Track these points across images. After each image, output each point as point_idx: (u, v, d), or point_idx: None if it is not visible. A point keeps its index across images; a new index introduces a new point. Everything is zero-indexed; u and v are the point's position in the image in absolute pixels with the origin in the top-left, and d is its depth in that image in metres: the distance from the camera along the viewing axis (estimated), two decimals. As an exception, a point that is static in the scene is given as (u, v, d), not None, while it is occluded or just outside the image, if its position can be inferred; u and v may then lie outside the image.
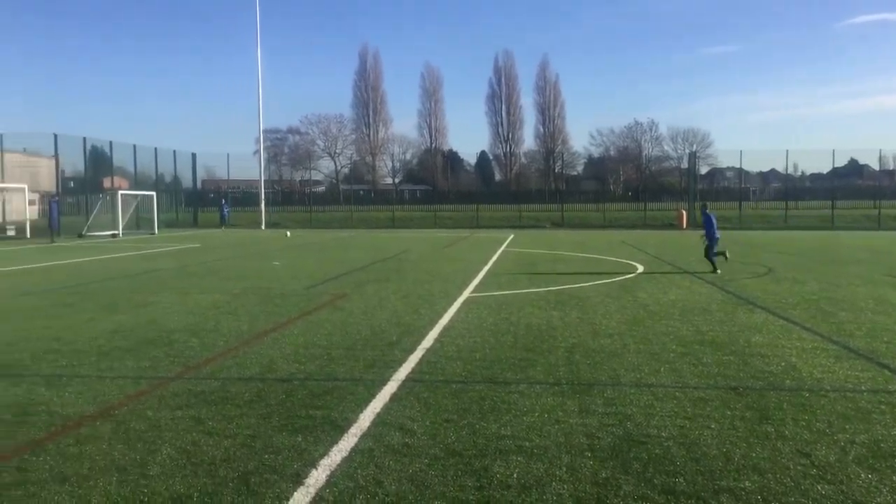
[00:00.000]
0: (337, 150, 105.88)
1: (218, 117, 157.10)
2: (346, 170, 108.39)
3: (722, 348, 8.42)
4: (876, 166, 64.37)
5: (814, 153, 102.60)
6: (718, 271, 17.11)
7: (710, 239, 17.79)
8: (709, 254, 17.81)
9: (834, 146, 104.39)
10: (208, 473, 4.60)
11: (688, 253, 24.41)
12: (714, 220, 17.89)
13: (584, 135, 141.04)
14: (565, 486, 4.39)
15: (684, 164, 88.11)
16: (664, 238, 35.32)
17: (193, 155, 59.03)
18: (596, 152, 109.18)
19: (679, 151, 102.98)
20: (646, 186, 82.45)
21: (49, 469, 4.65)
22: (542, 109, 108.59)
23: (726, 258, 18.23)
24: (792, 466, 4.73)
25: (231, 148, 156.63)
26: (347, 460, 4.81)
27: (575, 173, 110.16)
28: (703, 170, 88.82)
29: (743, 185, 71.19)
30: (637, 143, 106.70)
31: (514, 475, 4.56)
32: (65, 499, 4.19)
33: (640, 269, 18.37)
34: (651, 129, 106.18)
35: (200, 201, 61.44)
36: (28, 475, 4.54)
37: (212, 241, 34.47)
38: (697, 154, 77.02)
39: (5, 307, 11.97)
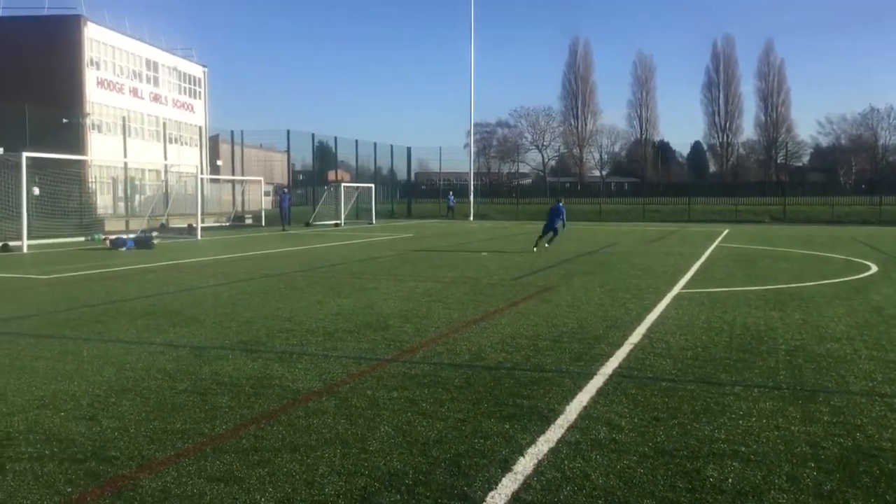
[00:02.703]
0: (544, 143, 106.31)
1: (432, 112, 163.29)
2: (552, 162, 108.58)
3: (973, 360, 7.53)
4: None
5: None
6: None
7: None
8: None
9: None
10: (422, 453, 4.85)
11: (933, 252, 21.98)
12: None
13: (810, 123, 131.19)
14: (785, 496, 4.16)
15: (929, 154, 79.02)
16: (904, 235, 31.98)
17: (409, 149, 61.91)
18: (824, 142, 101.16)
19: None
20: (882, 178, 75.06)
21: (281, 438, 5.11)
22: (765, 96, 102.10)
23: None
24: None
25: (443, 141, 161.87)
26: (554, 451, 4.87)
27: (799, 164, 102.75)
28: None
29: None
30: (872, 131, 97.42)
31: (729, 480, 4.39)
32: (295, 466, 4.59)
33: (874, 268, 16.79)
34: (890, 116, 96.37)
35: (414, 192, 64.13)
36: (264, 443, 5.02)
37: (424, 230, 35.91)
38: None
39: (246, 289, 13.25)
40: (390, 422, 5.48)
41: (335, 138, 52.21)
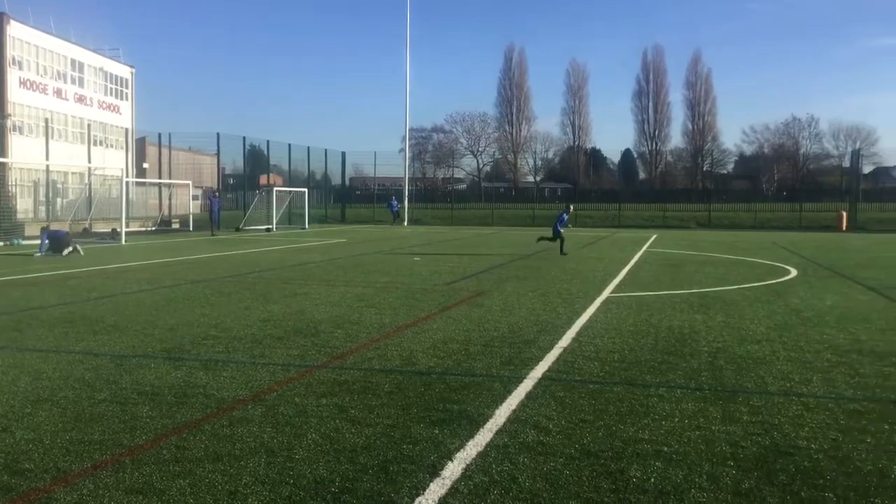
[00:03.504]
0: (479, 148, 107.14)
1: (367, 117, 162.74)
2: (487, 167, 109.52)
3: (883, 359, 7.86)
4: None
5: None
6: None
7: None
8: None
9: None
10: (350, 460, 4.80)
11: (848, 256, 22.91)
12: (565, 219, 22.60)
13: (735, 132, 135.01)
14: (705, 495, 4.26)
15: (846, 163, 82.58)
16: (821, 240, 33.29)
17: (343, 154, 61.45)
18: (748, 150, 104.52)
19: (840, 149, 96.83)
20: (802, 186, 78.01)
21: (204, 448, 4.98)
22: (692, 105, 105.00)
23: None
24: (959, 490, 4.37)
25: (378, 146, 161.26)
26: (483, 455, 4.88)
27: (724, 172, 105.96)
28: (867, 168, 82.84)
29: (913, 185, 65.84)
30: (794, 139, 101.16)
31: (652, 480, 4.47)
32: (217, 477, 4.47)
33: (794, 272, 17.42)
34: (810, 126, 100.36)
35: (348, 198, 63.75)
36: (185, 453, 4.88)
37: (358, 235, 35.70)
38: (861, 152, 71.79)
39: (171, 295, 12.93)
40: (318, 429, 5.41)
41: (267, 142, 51.49)
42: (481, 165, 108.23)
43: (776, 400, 6.27)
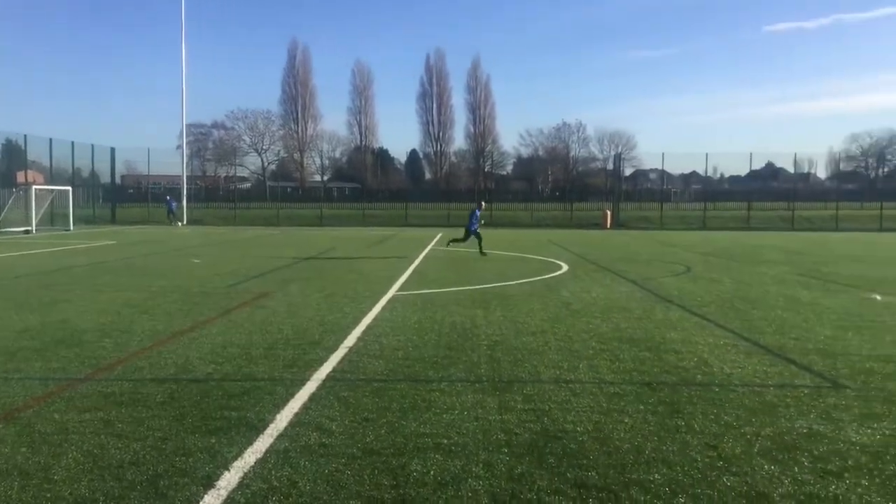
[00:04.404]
0: (264, 147, 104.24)
1: (141, 111, 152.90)
2: (273, 166, 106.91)
3: (638, 344, 8.62)
4: (791, 169, 66.99)
5: (733, 156, 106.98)
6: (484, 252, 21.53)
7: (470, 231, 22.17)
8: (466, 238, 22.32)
9: (752, 149, 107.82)
10: (115, 477, 4.46)
11: (611, 252, 24.92)
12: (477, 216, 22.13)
13: (514, 135, 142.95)
14: (481, 483, 4.42)
15: (609, 166, 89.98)
16: (589, 238, 35.99)
17: (112, 150, 57.19)
18: (525, 152, 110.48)
19: (605, 153, 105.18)
20: (573, 187, 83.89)
21: (-56, 476, 4.42)
22: (473, 109, 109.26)
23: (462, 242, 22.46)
24: (700, 459, 4.87)
25: (153, 143, 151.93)
26: (262, 462, 4.73)
27: (504, 173, 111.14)
28: (628, 171, 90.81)
29: (665, 187, 73.18)
30: (565, 143, 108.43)
31: (431, 473, 4.56)
32: (-40, 506, 3.99)
33: (565, 267, 18.66)
34: (579, 131, 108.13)
35: (119, 197, 59.65)
36: (-79, 483, 4.30)
37: (130, 237, 33.50)
38: (622, 156, 78.72)
39: None
40: (80, 447, 4.97)
41: (24, 136, 46.86)
42: (266, 164, 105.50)
43: (547, 388, 6.65)
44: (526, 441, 5.18)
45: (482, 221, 22.82)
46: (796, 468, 4.72)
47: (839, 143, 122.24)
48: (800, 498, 4.26)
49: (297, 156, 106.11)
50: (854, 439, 5.29)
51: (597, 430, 5.45)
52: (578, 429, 5.46)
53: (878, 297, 12.95)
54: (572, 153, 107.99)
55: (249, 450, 4.94)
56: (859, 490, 4.37)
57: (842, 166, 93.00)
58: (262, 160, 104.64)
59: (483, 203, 24.11)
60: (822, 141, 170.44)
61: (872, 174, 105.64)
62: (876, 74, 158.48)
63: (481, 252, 22.03)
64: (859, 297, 13.02)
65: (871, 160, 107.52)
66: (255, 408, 5.92)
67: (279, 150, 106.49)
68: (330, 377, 6.96)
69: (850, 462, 4.83)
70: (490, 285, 14.56)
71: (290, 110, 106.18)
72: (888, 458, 4.92)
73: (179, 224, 49.36)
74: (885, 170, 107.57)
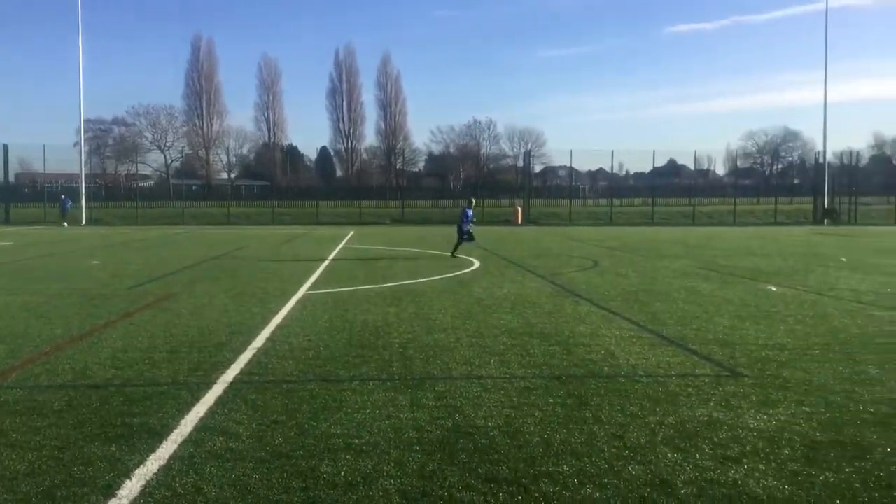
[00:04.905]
0: (167, 143, 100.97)
1: (35, 105, 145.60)
2: (177, 164, 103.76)
3: (548, 339, 8.76)
4: (692, 166, 69.56)
5: (637, 153, 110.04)
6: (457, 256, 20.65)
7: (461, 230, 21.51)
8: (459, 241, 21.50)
9: (655, 147, 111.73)
10: (8, 489, 4.23)
11: (522, 248, 25.29)
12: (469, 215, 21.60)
13: (425, 132, 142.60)
14: (392, 482, 4.39)
15: (520, 163, 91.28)
16: (500, 234, 36.41)
17: (5, 146, 54.35)
18: (437, 149, 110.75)
19: (515, 150, 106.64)
20: (484, 183, 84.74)
21: None
22: (384, 105, 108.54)
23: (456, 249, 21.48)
24: (606, 449, 4.98)
25: (49, 139, 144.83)
26: (165, 468, 4.57)
27: (416, 170, 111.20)
28: (538, 168, 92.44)
29: (574, 183, 74.86)
30: (476, 141, 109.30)
31: (342, 474, 4.51)
32: None
33: (477, 264, 18.81)
34: (489, 128, 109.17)
35: (14, 196, 56.77)
36: None
37: (26, 238, 31.93)
38: (532, 153, 79.97)
39: None
40: (-33, 461, 4.69)
41: None
42: (170, 161, 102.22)
43: (459, 384, 6.68)
44: (437, 438, 5.19)
45: (474, 220, 22.03)
46: (698, 455, 4.89)
47: (736, 141, 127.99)
48: (701, 484, 4.41)
49: (202, 153, 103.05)
50: (752, 425, 5.52)
51: (507, 424, 5.50)
52: (489, 424, 5.50)
53: (773, 289, 13.59)
54: (483, 150, 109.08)
55: (152, 457, 4.77)
56: (756, 475, 4.56)
57: (739, 163, 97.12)
58: (165, 157, 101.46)
59: (473, 200, 23.34)
60: (721, 139, 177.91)
61: (767, 170, 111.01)
62: (773, 75, 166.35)
63: (453, 254, 21.21)
64: (755, 289, 13.63)
65: (766, 157, 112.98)
66: (158, 413, 5.72)
67: (183, 147, 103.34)
68: (237, 380, 6.80)
69: (748, 448, 5.04)
70: (402, 283, 14.54)
71: (194, 106, 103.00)
72: (783, 442, 5.15)
73: (65, 224, 47.35)
74: (780, 166, 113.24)
